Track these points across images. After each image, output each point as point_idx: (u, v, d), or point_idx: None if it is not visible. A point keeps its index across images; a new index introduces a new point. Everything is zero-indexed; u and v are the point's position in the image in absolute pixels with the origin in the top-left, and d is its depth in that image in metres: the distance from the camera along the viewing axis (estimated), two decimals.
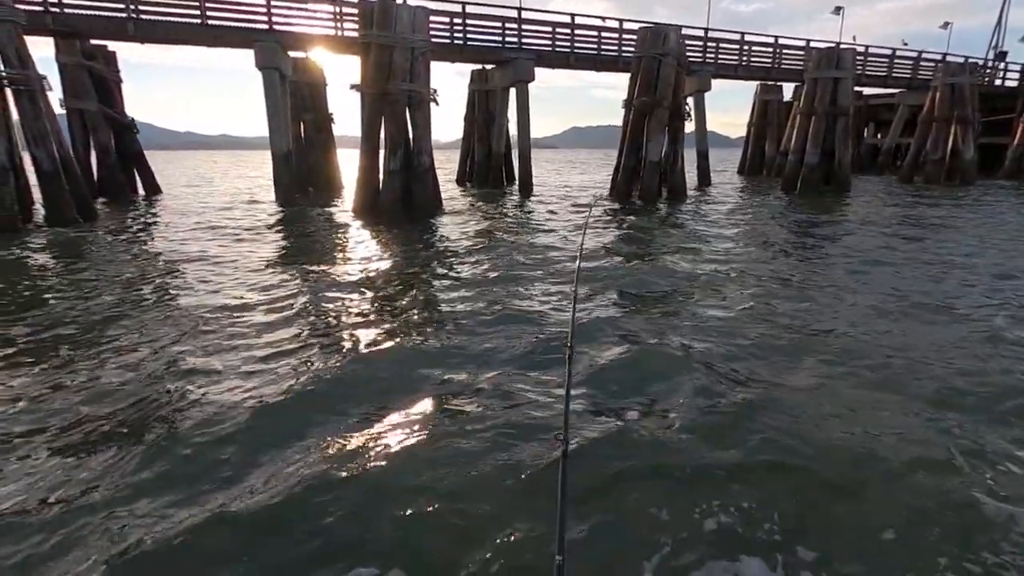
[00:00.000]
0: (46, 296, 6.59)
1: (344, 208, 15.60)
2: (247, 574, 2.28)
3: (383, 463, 2.99)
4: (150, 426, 3.45)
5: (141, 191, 18.89)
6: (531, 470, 2.87)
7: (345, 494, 2.71)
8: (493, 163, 22.67)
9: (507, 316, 5.59)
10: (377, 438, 3.27)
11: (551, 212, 15.34)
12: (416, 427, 3.38)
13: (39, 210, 12.37)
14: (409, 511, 2.61)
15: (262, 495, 2.72)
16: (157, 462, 3.06)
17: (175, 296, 6.59)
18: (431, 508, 2.63)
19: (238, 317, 5.70)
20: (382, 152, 14.13)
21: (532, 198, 18.83)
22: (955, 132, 22.73)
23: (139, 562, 2.32)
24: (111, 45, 17.48)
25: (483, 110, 24.91)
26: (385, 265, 8.27)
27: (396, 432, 3.34)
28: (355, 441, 3.23)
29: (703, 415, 3.53)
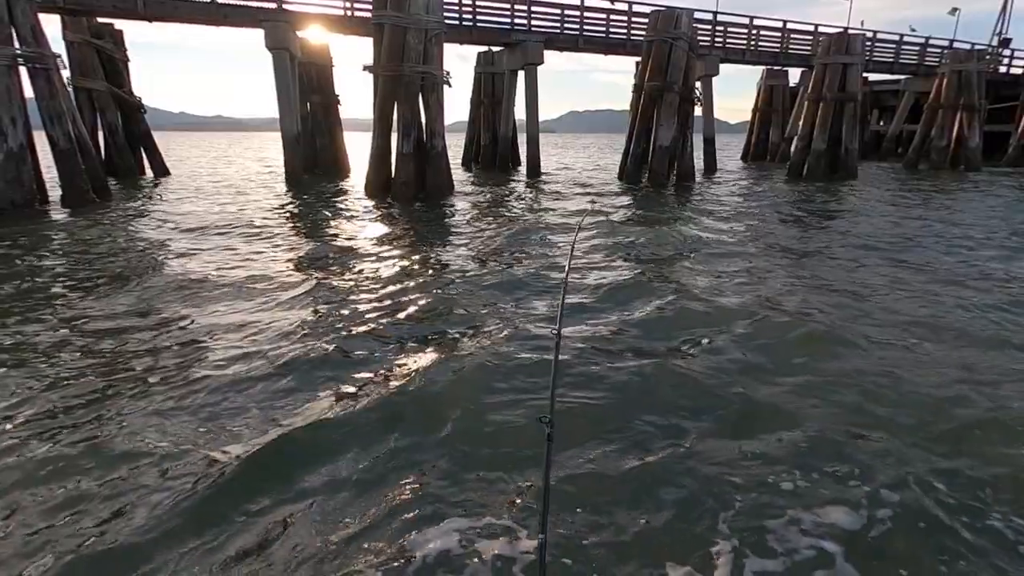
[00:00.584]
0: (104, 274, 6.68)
1: (356, 190, 15.63)
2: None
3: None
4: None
5: (149, 172, 18.83)
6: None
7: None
8: (500, 146, 22.64)
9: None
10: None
11: (559, 193, 15.45)
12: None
13: (50, 190, 12.40)
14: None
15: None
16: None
17: (223, 270, 6.70)
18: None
19: (280, 292, 5.83)
20: (395, 134, 14.15)
21: (540, 181, 18.88)
22: (961, 119, 22.79)
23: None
24: (118, 24, 17.34)
25: (489, 93, 24.86)
26: (407, 242, 8.39)
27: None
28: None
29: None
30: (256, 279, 6.38)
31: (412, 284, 6.22)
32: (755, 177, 21.66)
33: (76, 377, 3.83)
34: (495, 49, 23.74)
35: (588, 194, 15.26)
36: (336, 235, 9.29)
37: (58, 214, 10.65)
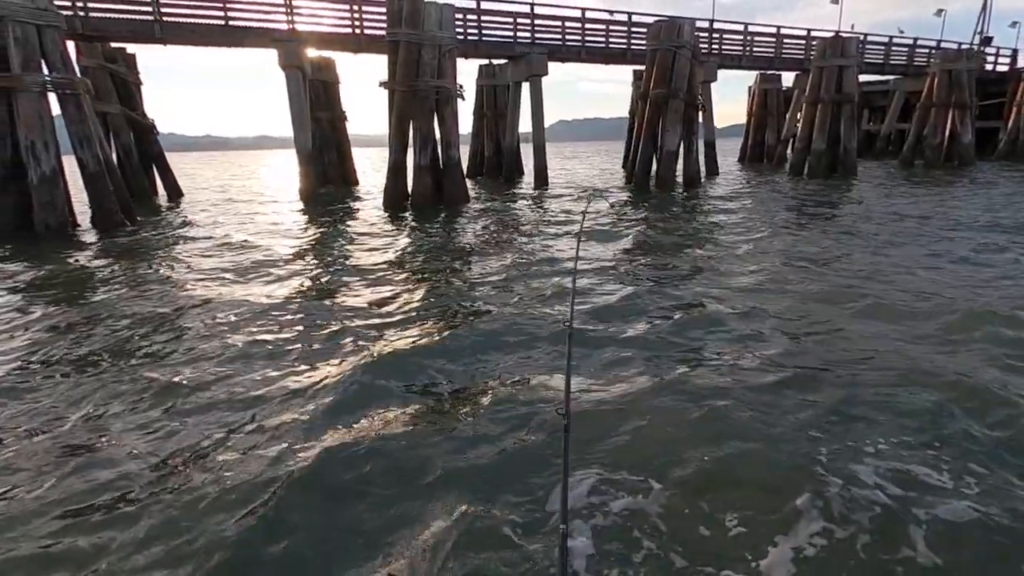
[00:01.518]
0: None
1: (372, 204, 15.89)
2: None
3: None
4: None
5: (162, 193, 19.01)
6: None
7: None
8: (505, 157, 22.98)
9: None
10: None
11: (571, 200, 15.80)
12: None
13: (78, 214, 12.56)
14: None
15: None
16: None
17: (272, 282, 6.92)
18: None
19: (336, 303, 6.06)
20: (410, 148, 14.46)
21: (548, 189, 19.22)
22: (953, 116, 23.39)
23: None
24: (130, 48, 17.63)
25: (491, 105, 25.27)
26: (432, 249, 8.64)
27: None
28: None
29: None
30: (321, 301, 6.60)
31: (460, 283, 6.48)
32: (757, 178, 22.11)
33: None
34: (496, 62, 24.21)
35: (596, 197, 15.62)
36: (374, 248, 9.52)
37: (92, 237, 10.82)
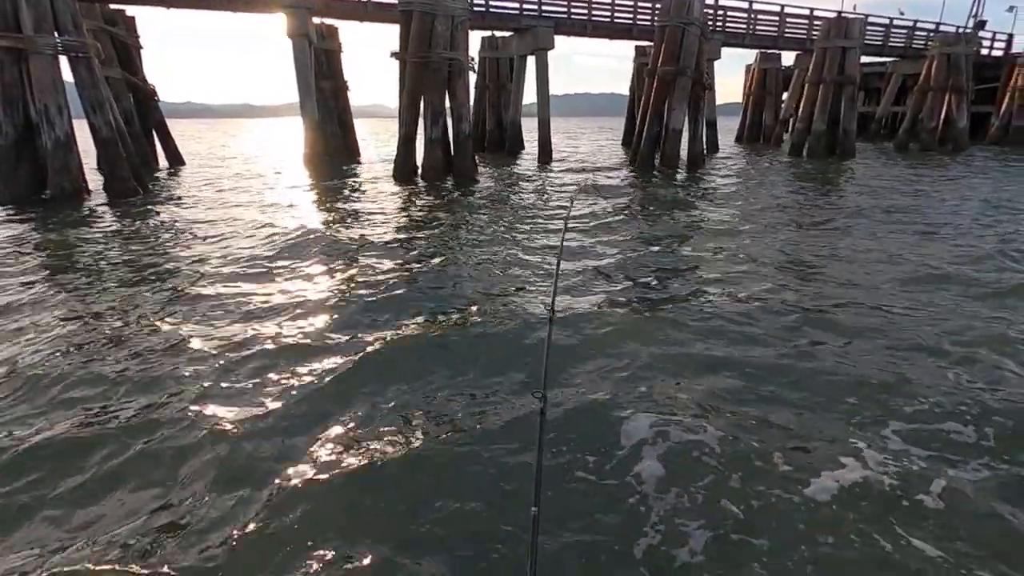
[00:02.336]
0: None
1: (379, 175, 15.89)
2: None
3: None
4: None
5: (163, 162, 18.76)
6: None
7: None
8: (509, 131, 22.93)
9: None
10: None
11: (576, 175, 15.96)
12: None
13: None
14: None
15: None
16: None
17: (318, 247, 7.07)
18: None
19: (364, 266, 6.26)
20: (421, 120, 14.42)
21: (553, 164, 19.30)
22: (950, 100, 23.74)
23: None
24: (130, 10, 17.18)
25: (494, 78, 25.05)
26: (450, 220, 8.81)
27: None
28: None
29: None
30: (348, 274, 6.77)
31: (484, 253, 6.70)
32: (758, 158, 22.35)
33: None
34: (498, 34, 23.95)
35: (605, 174, 15.79)
36: (392, 219, 9.65)
37: (108, 203, 10.79)
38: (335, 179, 15.15)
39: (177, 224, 9.06)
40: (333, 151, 21.06)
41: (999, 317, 4.74)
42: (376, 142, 34.28)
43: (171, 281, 5.96)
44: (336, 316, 4.85)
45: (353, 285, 5.74)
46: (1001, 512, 2.47)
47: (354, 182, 14.58)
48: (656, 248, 7.36)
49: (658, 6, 20.43)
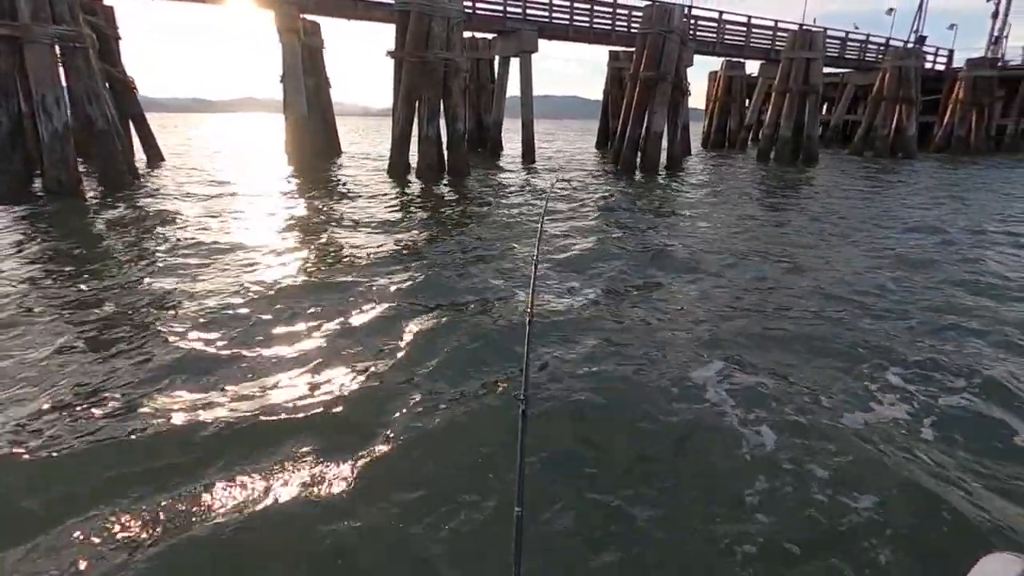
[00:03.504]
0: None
1: (367, 171, 16.02)
2: None
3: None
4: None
5: (142, 156, 18.24)
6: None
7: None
8: (491, 132, 23.30)
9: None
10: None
11: (561, 174, 16.54)
12: None
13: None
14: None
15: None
16: None
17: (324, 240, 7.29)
18: None
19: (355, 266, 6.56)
20: (415, 118, 14.65)
21: (536, 165, 19.80)
22: (900, 111, 25.48)
23: None
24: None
25: (473, 79, 25.34)
26: (448, 215, 9.17)
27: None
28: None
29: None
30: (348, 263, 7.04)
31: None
32: (727, 162, 23.46)
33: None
34: (478, 35, 24.28)
35: (589, 174, 16.41)
36: (391, 217, 9.91)
37: (107, 196, 10.64)
38: (326, 176, 15.20)
39: (182, 214, 9.09)
40: (315, 148, 20.96)
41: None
42: (353, 139, 33.96)
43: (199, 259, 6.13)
44: (330, 307, 5.05)
45: (350, 277, 6.03)
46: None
47: (348, 179, 14.67)
48: (648, 245, 7.91)
49: (637, 14, 21.33)
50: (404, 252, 7.11)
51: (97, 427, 3.06)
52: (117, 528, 2.36)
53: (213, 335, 4.37)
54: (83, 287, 5.48)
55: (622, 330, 4.62)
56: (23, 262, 6.30)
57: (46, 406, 3.26)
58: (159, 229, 8.20)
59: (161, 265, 6.33)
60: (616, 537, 2.39)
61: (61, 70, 10.74)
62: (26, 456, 2.80)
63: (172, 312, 4.87)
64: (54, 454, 2.82)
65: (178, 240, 7.52)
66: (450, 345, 4.19)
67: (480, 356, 4.05)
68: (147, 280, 5.76)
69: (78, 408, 3.26)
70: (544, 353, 4.06)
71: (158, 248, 7.10)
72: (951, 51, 32.95)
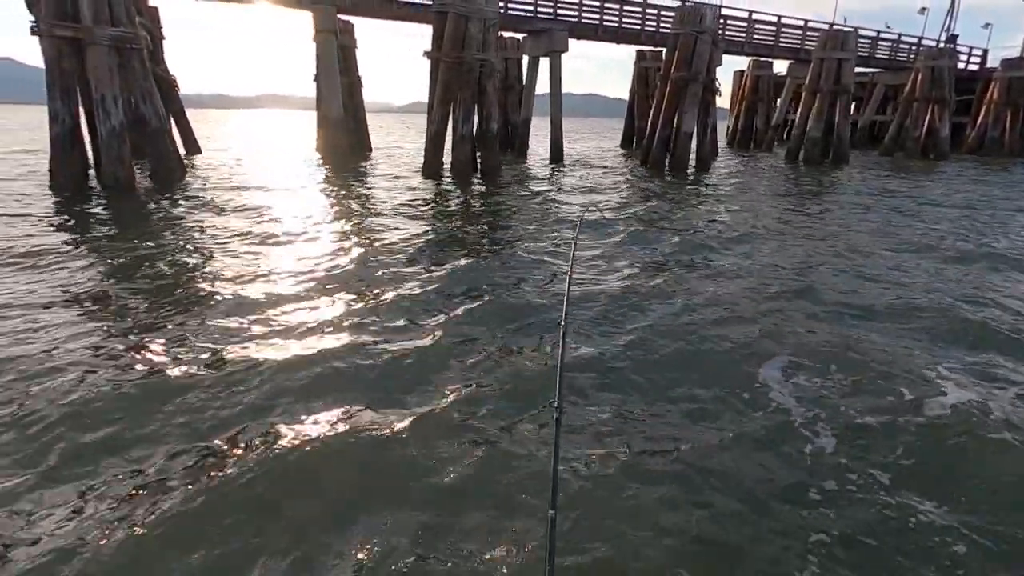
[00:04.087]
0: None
1: (401, 168, 16.35)
2: None
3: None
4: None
5: (181, 149, 18.75)
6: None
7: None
8: (520, 130, 23.48)
9: None
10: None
11: (591, 176, 16.69)
12: None
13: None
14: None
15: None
16: None
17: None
18: None
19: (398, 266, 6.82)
20: (450, 118, 14.91)
21: (564, 165, 19.97)
22: (933, 111, 25.15)
23: None
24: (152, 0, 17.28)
25: (502, 78, 25.53)
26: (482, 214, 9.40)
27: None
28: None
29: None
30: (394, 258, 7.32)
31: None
32: (755, 163, 23.37)
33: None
34: (506, 35, 24.45)
35: (611, 173, 16.54)
36: (426, 215, 10.17)
37: (164, 192, 11.08)
38: (361, 172, 15.55)
39: (230, 206, 9.47)
40: (347, 146, 21.36)
41: None
42: (379, 136, 34.39)
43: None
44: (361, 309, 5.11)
45: (391, 262, 6.48)
46: None
47: (382, 176, 15.00)
48: (684, 247, 8.07)
49: (666, 14, 21.37)
50: (443, 244, 7.46)
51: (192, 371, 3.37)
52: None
53: (273, 308, 4.89)
54: (150, 270, 5.84)
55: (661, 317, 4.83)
56: (91, 253, 6.67)
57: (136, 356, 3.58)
58: (216, 219, 8.58)
59: (221, 251, 6.73)
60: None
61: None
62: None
63: (237, 289, 5.27)
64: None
65: (235, 229, 7.89)
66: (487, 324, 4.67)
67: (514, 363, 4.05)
68: (210, 265, 6.14)
69: (161, 357, 3.65)
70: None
71: (218, 236, 7.47)
72: (985, 51, 32.37)
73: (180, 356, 3.95)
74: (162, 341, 4.21)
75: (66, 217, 8.70)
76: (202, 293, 5.33)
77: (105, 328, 4.44)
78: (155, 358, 3.92)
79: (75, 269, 5.98)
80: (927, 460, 3.03)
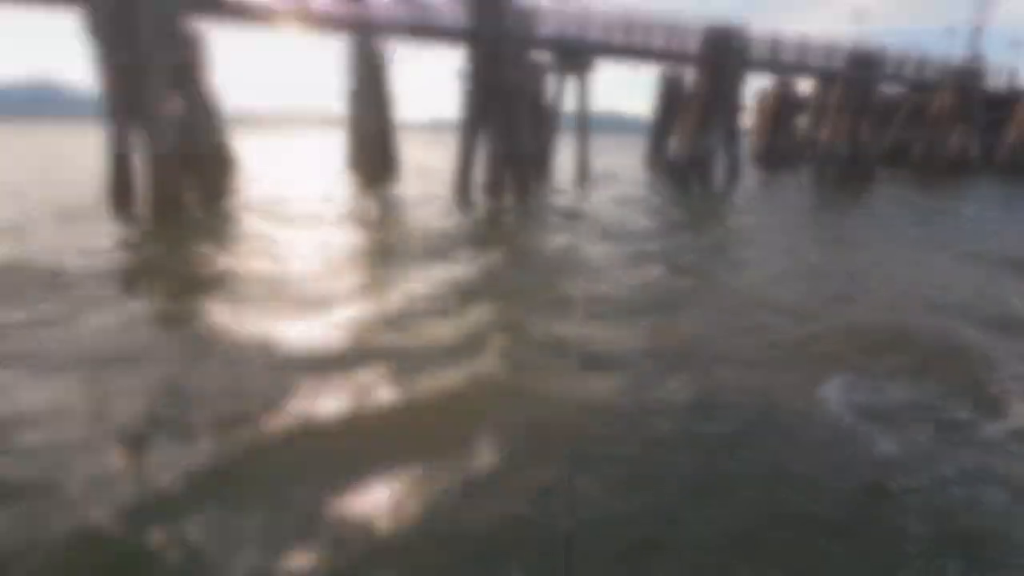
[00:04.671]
0: None
1: (431, 185, 16.81)
2: None
3: None
4: None
5: None
6: None
7: None
8: (544, 151, 23.72)
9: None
10: None
11: (626, 194, 16.92)
12: None
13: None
14: None
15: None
16: None
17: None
18: None
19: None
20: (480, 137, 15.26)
21: (589, 182, 20.22)
22: (960, 130, 24.96)
23: None
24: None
25: (530, 99, 25.97)
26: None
27: None
28: None
29: None
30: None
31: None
32: (780, 179, 23.41)
33: None
34: (534, 55, 24.88)
35: (639, 187, 16.73)
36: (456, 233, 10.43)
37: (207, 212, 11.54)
38: (393, 189, 15.97)
39: (277, 217, 9.86)
40: (379, 163, 21.87)
41: None
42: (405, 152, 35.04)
43: None
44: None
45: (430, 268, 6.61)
46: None
47: (414, 193, 15.39)
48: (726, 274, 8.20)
49: (692, 32, 21.62)
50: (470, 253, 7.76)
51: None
52: None
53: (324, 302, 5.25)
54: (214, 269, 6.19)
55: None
56: (158, 265, 7.05)
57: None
58: (271, 232, 8.97)
59: (275, 254, 7.11)
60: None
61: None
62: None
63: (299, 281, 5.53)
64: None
65: (286, 239, 8.28)
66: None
67: None
68: (268, 265, 6.48)
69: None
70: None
71: (274, 243, 7.85)
72: (1015, 69, 31.99)
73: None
74: None
75: None
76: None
77: None
78: None
79: None
80: None
